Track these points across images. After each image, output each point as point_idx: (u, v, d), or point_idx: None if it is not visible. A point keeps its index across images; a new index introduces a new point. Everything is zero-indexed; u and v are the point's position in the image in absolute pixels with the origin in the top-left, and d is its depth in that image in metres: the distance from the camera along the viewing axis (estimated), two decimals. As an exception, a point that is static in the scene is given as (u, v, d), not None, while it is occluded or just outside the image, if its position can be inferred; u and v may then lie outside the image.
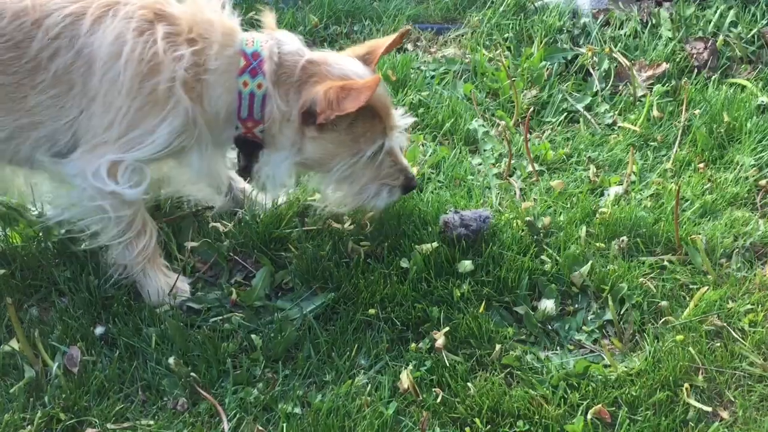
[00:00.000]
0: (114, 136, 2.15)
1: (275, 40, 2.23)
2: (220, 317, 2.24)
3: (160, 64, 2.09)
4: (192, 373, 2.04)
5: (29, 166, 2.27)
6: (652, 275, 2.40)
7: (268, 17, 2.35)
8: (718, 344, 2.16)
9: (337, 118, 2.17)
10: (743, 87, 3.37)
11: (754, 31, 3.67)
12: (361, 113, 2.19)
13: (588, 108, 3.34)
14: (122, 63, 2.09)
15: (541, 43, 3.64)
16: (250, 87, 2.19)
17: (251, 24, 2.70)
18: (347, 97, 2.12)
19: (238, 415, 1.98)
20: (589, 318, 2.29)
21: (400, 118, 2.39)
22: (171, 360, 2.05)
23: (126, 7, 2.13)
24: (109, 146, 2.15)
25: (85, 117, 2.16)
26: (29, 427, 1.92)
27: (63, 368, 2.03)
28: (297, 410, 1.99)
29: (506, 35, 3.76)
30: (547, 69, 3.50)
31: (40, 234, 2.40)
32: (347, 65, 2.27)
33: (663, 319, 2.24)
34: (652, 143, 3.09)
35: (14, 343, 2.09)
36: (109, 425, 1.93)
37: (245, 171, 2.37)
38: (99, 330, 2.16)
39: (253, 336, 2.16)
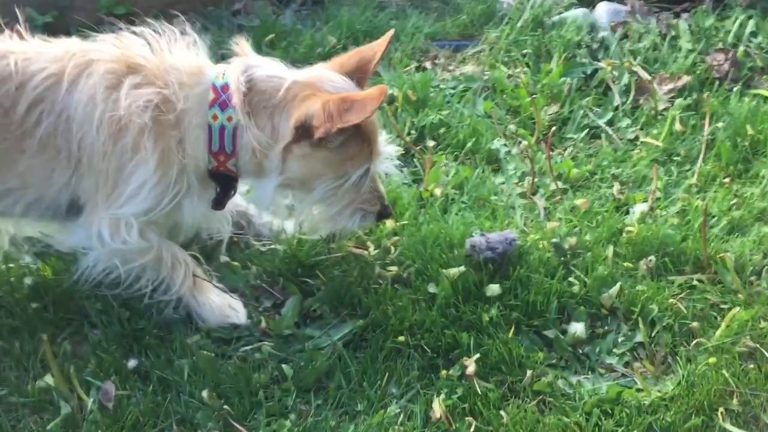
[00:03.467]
0: (103, 196, 2.18)
1: (244, 66, 2.18)
2: (250, 346, 2.25)
3: (127, 122, 2.10)
4: (225, 406, 2.05)
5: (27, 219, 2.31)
6: (681, 295, 2.38)
7: (241, 44, 2.30)
8: (752, 366, 2.14)
9: (331, 137, 2.11)
10: (766, 98, 3.34)
11: (775, 40, 3.65)
12: (353, 135, 2.17)
13: (609, 123, 3.33)
14: (95, 128, 2.11)
15: (560, 58, 3.64)
16: (220, 120, 2.15)
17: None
18: (351, 108, 2.06)
19: (272, 447, 1.99)
20: (619, 341, 2.28)
21: (386, 145, 2.36)
22: (204, 393, 2.06)
23: (99, 64, 2.14)
24: (102, 206, 2.19)
25: (77, 180, 2.19)
26: (67, 463, 1.94)
27: (98, 403, 2.05)
28: (330, 441, 2.00)
29: (525, 51, 3.76)
30: (567, 84, 3.49)
31: (71, 267, 2.43)
32: (340, 84, 2.21)
33: (695, 341, 2.22)
34: (675, 158, 3.07)
35: (49, 379, 2.11)
36: (145, 460, 1.95)
37: (218, 204, 2.33)
38: (132, 363, 2.18)
39: (283, 366, 2.17)
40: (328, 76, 2.24)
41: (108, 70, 2.14)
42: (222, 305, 2.31)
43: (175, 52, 2.22)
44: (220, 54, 3.73)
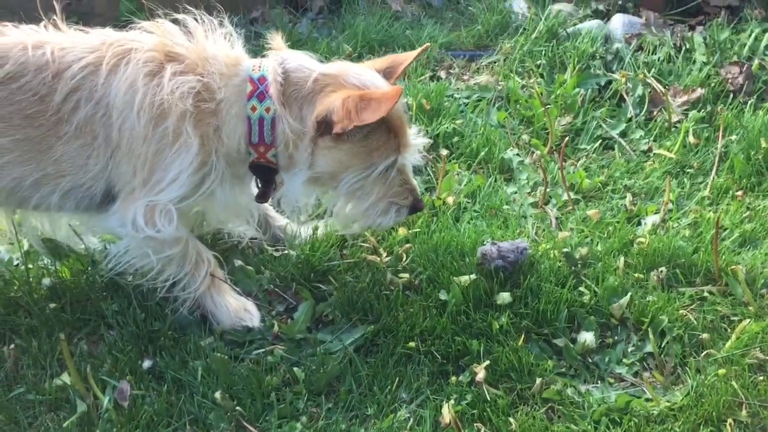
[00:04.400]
0: (140, 181, 2.21)
1: (280, 59, 2.23)
2: (263, 350, 2.28)
3: (169, 106, 2.14)
4: (237, 407, 2.08)
5: (62, 211, 2.35)
6: (692, 307, 2.39)
7: (276, 40, 2.35)
8: (761, 378, 2.14)
9: (354, 129, 2.14)
10: (780, 112, 3.35)
11: (790, 54, 3.66)
12: (377, 126, 2.18)
13: (623, 134, 3.35)
14: (135, 112, 2.15)
15: (574, 69, 3.66)
16: (258, 111, 2.19)
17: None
18: (367, 107, 2.09)
19: (282, 449, 2.01)
20: (629, 350, 2.29)
21: (415, 137, 2.36)
22: (217, 394, 2.09)
23: (137, 53, 2.18)
24: (138, 192, 2.22)
25: (114, 166, 2.23)
26: (81, 460, 1.97)
27: (114, 402, 2.08)
28: (340, 444, 2.02)
29: (539, 62, 3.79)
30: (581, 95, 3.52)
31: (89, 268, 2.47)
32: (366, 76, 2.25)
33: (704, 352, 2.23)
34: (688, 170, 3.08)
35: (66, 377, 2.14)
36: (158, 459, 1.99)
37: (262, 197, 2.38)
38: (147, 363, 2.21)
39: (295, 369, 2.20)
40: (354, 69, 2.27)
41: (148, 58, 2.17)
42: (237, 308, 2.34)
43: (213, 42, 2.26)
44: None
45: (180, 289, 2.32)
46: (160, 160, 2.18)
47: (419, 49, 2.42)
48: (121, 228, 2.25)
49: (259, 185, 2.36)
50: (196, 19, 2.26)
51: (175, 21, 2.26)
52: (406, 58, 2.37)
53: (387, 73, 2.33)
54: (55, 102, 2.17)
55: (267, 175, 2.33)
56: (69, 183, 2.25)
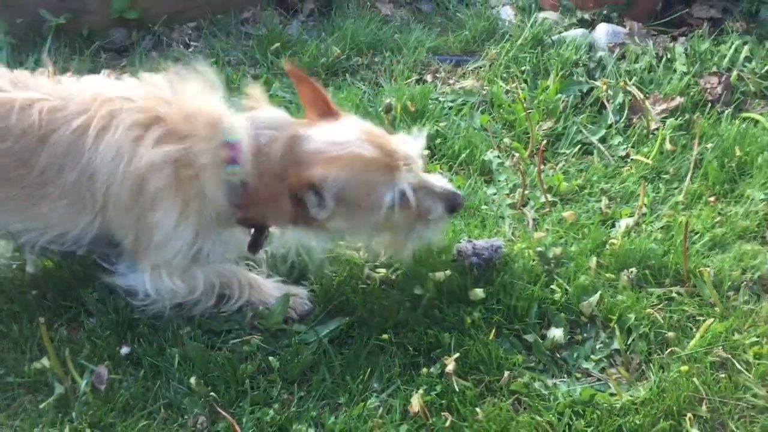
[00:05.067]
0: (135, 246, 2.28)
1: (253, 124, 2.22)
2: (239, 339, 2.33)
3: (151, 175, 2.17)
4: (212, 393, 2.13)
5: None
6: (659, 306, 2.45)
7: (254, 96, 2.32)
8: (723, 375, 2.20)
9: (320, 206, 2.16)
10: (756, 122, 3.42)
11: (768, 66, 3.73)
12: (344, 181, 2.14)
13: (602, 140, 3.42)
14: (119, 180, 2.18)
15: (557, 75, 3.73)
16: (237, 176, 2.19)
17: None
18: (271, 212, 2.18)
19: (254, 434, 2.06)
20: (597, 347, 2.35)
21: (409, 148, 2.28)
22: (192, 380, 2.14)
23: (126, 115, 2.20)
24: (139, 257, 2.29)
25: (105, 223, 2.28)
26: (57, 441, 2.02)
27: (91, 386, 2.13)
28: (311, 431, 2.07)
29: (523, 68, 3.86)
30: (563, 101, 3.58)
31: (70, 258, 2.52)
32: (322, 137, 2.20)
33: (669, 350, 2.29)
34: (664, 176, 3.15)
35: (45, 361, 2.19)
36: (132, 441, 2.03)
37: (253, 248, 2.40)
38: (125, 350, 2.26)
39: (270, 358, 2.25)
40: (310, 131, 2.23)
41: (134, 122, 2.19)
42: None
43: (195, 99, 2.24)
44: (227, 60, 3.90)
45: (225, 305, 2.39)
46: (147, 227, 2.23)
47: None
48: (138, 288, 2.32)
49: (251, 236, 2.39)
50: (177, 72, 2.28)
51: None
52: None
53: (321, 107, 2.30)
54: (39, 166, 2.20)
55: (258, 229, 2.38)
56: (57, 231, 2.31)
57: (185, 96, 2.25)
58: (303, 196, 2.15)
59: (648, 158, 3.21)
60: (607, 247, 2.68)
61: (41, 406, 2.09)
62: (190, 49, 4.00)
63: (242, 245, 2.45)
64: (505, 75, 3.85)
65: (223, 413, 2.08)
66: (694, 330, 2.35)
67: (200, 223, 2.26)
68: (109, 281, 2.38)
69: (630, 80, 3.70)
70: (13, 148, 2.20)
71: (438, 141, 3.32)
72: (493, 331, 2.33)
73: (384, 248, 2.49)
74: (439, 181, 2.32)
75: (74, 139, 2.20)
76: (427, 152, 3.17)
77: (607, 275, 2.56)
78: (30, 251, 2.41)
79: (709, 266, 2.59)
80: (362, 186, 2.18)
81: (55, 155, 2.20)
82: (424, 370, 2.22)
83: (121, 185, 2.19)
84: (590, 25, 4.22)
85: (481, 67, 3.96)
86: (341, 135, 2.22)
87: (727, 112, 3.49)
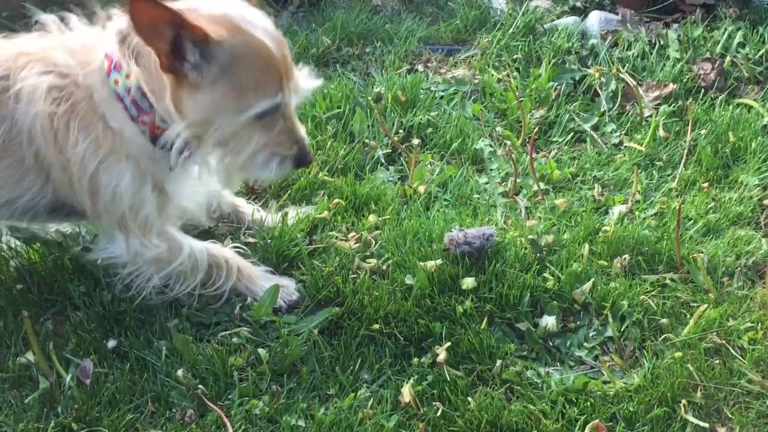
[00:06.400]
0: (99, 209, 2.15)
1: (119, 26, 2.02)
2: (228, 331, 2.30)
3: (61, 122, 2.04)
4: (200, 386, 2.10)
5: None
6: (653, 293, 2.43)
7: (108, 12, 2.13)
8: (717, 361, 2.18)
9: (199, 66, 1.91)
10: (750, 107, 3.39)
11: (762, 51, 3.70)
12: (246, 62, 1.93)
13: (595, 128, 3.39)
14: (44, 141, 2.06)
15: (549, 63, 3.70)
16: (121, 82, 2.03)
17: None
18: (132, 22, 1.83)
19: (243, 427, 2.03)
20: (590, 335, 2.32)
21: (304, 78, 2.11)
22: (180, 372, 2.11)
23: (34, 66, 2.06)
24: (108, 221, 2.18)
25: (55, 190, 2.16)
26: (43, 436, 1.99)
27: (76, 380, 2.10)
28: (301, 423, 2.04)
29: (515, 56, 3.82)
30: (555, 89, 3.55)
31: (56, 252, 2.49)
32: (234, 8, 1.98)
33: (663, 337, 2.27)
34: (657, 163, 3.12)
35: (30, 355, 2.16)
36: (119, 435, 2.00)
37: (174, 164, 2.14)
38: (111, 343, 2.23)
39: (260, 350, 2.22)
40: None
41: (36, 73, 2.04)
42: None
43: (65, 37, 2.12)
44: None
45: (211, 289, 2.33)
46: (85, 183, 2.10)
47: None
48: (117, 259, 2.24)
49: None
50: (63, 18, 2.16)
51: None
52: None
53: None
54: None
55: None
56: (5, 197, 2.17)
57: (56, 38, 2.13)
58: (186, 44, 1.88)
59: (641, 145, 3.18)
60: (600, 234, 2.65)
61: (26, 401, 2.05)
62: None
63: (196, 198, 2.37)
64: (496, 64, 3.82)
65: (212, 406, 2.05)
66: (688, 316, 2.33)
67: (126, 161, 2.09)
68: (91, 257, 2.32)
69: (623, 67, 3.67)
70: None
71: (429, 130, 3.29)
72: (485, 319, 2.30)
73: (218, 172, 2.19)
74: (303, 131, 2.17)
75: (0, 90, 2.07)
76: (417, 141, 3.15)
77: (600, 262, 2.54)
78: None
79: (702, 252, 2.57)
80: (252, 74, 1.95)
81: None
82: (415, 360, 2.19)
83: (47, 146, 2.07)
84: (582, 12, 4.19)
85: (472, 56, 3.92)
86: (254, 17, 2.00)
87: (720, 98, 3.46)
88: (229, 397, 2.10)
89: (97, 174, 2.09)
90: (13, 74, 2.08)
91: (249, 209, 2.69)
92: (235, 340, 2.26)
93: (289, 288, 2.41)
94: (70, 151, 2.07)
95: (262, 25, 1.99)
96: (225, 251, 2.39)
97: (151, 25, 1.84)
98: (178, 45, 1.89)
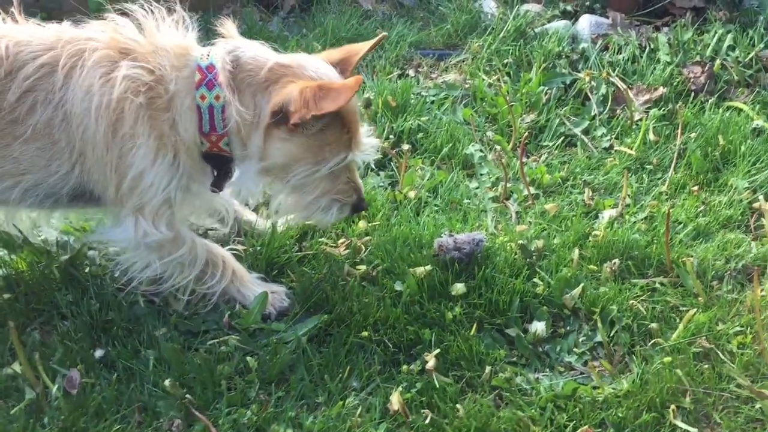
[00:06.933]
0: (114, 190, 2.20)
1: (230, 47, 2.19)
2: (217, 340, 2.29)
3: (124, 108, 2.11)
4: (187, 395, 2.09)
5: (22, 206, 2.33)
6: (642, 297, 2.42)
7: (227, 26, 2.30)
8: (706, 366, 2.17)
9: (308, 123, 2.12)
10: (740, 110, 3.40)
11: (752, 54, 3.71)
12: (332, 121, 2.16)
13: (585, 132, 3.39)
14: (94, 119, 2.12)
15: (540, 68, 3.70)
16: (208, 100, 2.15)
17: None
18: (326, 96, 2.06)
19: (231, 436, 2.02)
20: (580, 340, 2.32)
21: (367, 137, 2.32)
22: (167, 382, 2.09)
23: (93, 53, 2.14)
24: (121, 202, 2.22)
25: (84, 173, 2.21)
26: (29, 447, 1.97)
27: (63, 390, 2.08)
28: (289, 431, 2.03)
29: (506, 61, 3.83)
30: (546, 94, 3.56)
31: (44, 260, 2.47)
32: (323, 69, 2.22)
33: (652, 341, 2.26)
34: (647, 166, 3.12)
35: (16, 366, 2.14)
36: (106, 446, 1.99)
37: (216, 185, 2.34)
38: (99, 353, 2.22)
39: (248, 358, 2.21)
40: (311, 62, 2.23)
41: (102, 57, 2.14)
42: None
43: (163, 33, 2.22)
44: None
45: (203, 287, 2.35)
46: (127, 167, 2.16)
47: (375, 39, 2.39)
48: (121, 242, 2.27)
49: (215, 174, 2.33)
50: (145, 10, 2.24)
51: (125, 14, 2.26)
52: (361, 48, 2.35)
53: (343, 64, 2.31)
54: (8, 101, 2.13)
55: (221, 165, 2.30)
56: (31, 181, 2.23)
57: (153, 31, 2.20)
58: (294, 106, 2.08)
59: (631, 149, 3.19)
60: (590, 238, 2.65)
61: (12, 412, 2.04)
62: (169, 48, 3.95)
63: (209, 204, 2.45)
64: (487, 68, 3.82)
65: (199, 415, 2.04)
66: (678, 321, 2.32)
67: (175, 161, 2.19)
68: (92, 238, 2.34)
69: (613, 71, 3.68)
70: None
71: (420, 135, 3.28)
72: (475, 326, 2.30)
73: (281, 207, 2.41)
74: (361, 183, 2.41)
75: (42, 76, 2.13)
76: (407, 147, 3.14)
77: (590, 267, 2.53)
78: (6, 211, 2.36)
79: (692, 256, 2.56)
80: (336, 134, 2.20)
81: (24, 92, 2.13)
82: (405, 367, 2.19)
83: (96, 126, 2.12)
84: (573, 16, 4.20)
85: (463, 61, 3.92)
86: (332, 72, 2.23)
87: (710, 101, 3.47)
88: (217, 406, 2.09)
89: (133, 155, 2.15)
90: (62, 62, 2.12)
91: (241, 209, 2.69)
92: (223, 348, 2.25)
93: (280, 294, 2.40)
94: (121, 134, 2.13)
95: (361, 79, 2.16)
96: (223, 252, 2.41)
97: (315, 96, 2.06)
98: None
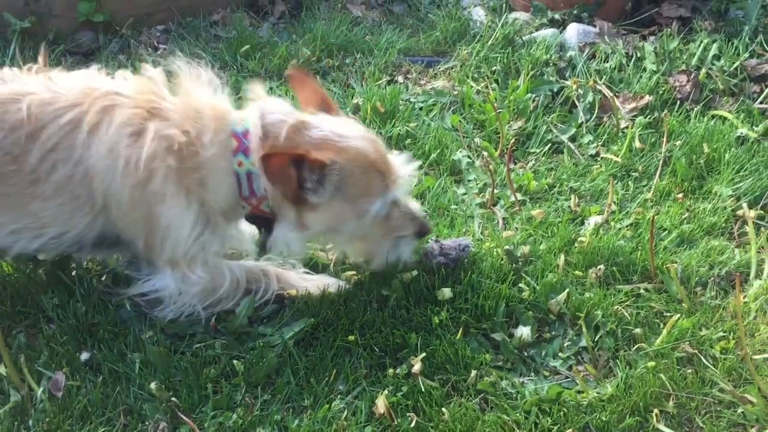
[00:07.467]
0: (144, 244, 2.23)
1: (261, 112, 2.21)
2: (204, 343, 2.29)
3: (153, 168, 2.12)
4: (173, 398, 2.09)
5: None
6: (627, 303, 2.44)
7: (257, 88, 2.34)
8: (690, 371, 2.19)
9: (316, 189, 2.14)
10: (725, 119, 3.44)
11: (737, 64, 3.75)
12: (349, 173, 2.16)
13: (572, 139, 3.42)
14: (119, 178, 2.12)
15: (527, 75, 3.73)
16: (245, 166, 2.18)
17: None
18: (265, 171, 2.10)
19: (217, 439, 2.02)
20: (565, 345, 2.33)
21: (403, 166, 2.32)
22: (153, 385, 2.09)
23: (121, 110, 2.14)
24: (150, 254, 2.25)
25: (109, 223, 2.23)
26: (13, 450, 1.97)
27: (48, 393, 2.08)
28: (275, 435, 2.04)
29: (494, 68, 3.85)
30: (533, 101, 3.58)
31: (30, 263, 2.47)
32: (328, 126, 2.21)
33: (636, 346, 2.28)
34: (633, 174, 3.15)
35: (1, 368, 2.14)
36: (91, 449, 1.98)
37: (263, 248, 2.37)
38: (84, 356, 2.22)
39: (234, 362, 2.21)
40: (318, 120, 2.23)
41: (131, 116, 2.13)
42: (316, 287, 2.42)
43: (199, 95, 2.23)
44: (196, 62, 3.85)
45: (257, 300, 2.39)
46: (155, 221, 2.18)
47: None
48: (163, 292, 2.30)
49: (261, 235, 2.36)
50: (179, 66, 2.24)
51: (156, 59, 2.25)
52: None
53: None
54: (29, 163, 2.12)
55: (266, 225, 2.32)
56: (53, 232, 2.23)
57: (189, 91, 2.22)
58: (305, 173, 2.11)
59: (617, 156, 3.21)
60: (576, 244, 2.67)
61: (-4, 415, 2.04)
62: (159, 52, 3.96)
63: (242, 242, 2.46)
64: (476, 75, 3.84)
65: (185, 418, 2.04)
66: (661, 326, 2.34)
67: (202, 212, 2.21)
68: (133, 292, 2.34)
69: (600, 79, 3.71)
70: (2, 143, 2.12)
71: (408, 141, 3.30)
72: (461, 330, 2.31)
73: (356, 254, 2.51)
74: (415, 206, 2.41)
75: (65, 134, 2.12)
76: (419, 162, 3.15)
77: (576, 273, 2.55)
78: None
79: (676, 262, 2.59)
80: (361, 184, 2.20)
81: (46, 152, 2.12)
82: (391, 371, 2.19)
83: (122, 183, 2.13)
84: (561, 25, 4.23)
85: (452, 68, 3.95)
86: (347, 129, 2.24)
87: (695, 109, 3.51)
88: (203, 409, 2.09)
89: (161, 211, 2.16)
90: (88, 119, 2.12)
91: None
92: (210, 351, 2.25)
93: (332, 286, 2.43)
94: (149, 191, 2.14)
95: (356, 134, 2.22)
96: (261, 264, 2.44)
97: (282, 171, 2.08)
98: (300, 178, 2.11)
